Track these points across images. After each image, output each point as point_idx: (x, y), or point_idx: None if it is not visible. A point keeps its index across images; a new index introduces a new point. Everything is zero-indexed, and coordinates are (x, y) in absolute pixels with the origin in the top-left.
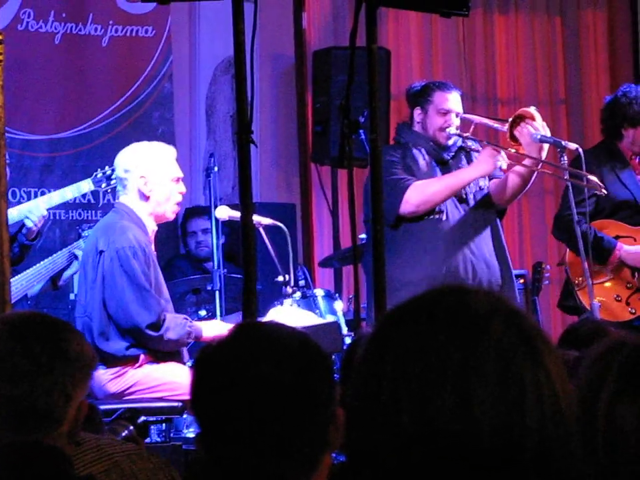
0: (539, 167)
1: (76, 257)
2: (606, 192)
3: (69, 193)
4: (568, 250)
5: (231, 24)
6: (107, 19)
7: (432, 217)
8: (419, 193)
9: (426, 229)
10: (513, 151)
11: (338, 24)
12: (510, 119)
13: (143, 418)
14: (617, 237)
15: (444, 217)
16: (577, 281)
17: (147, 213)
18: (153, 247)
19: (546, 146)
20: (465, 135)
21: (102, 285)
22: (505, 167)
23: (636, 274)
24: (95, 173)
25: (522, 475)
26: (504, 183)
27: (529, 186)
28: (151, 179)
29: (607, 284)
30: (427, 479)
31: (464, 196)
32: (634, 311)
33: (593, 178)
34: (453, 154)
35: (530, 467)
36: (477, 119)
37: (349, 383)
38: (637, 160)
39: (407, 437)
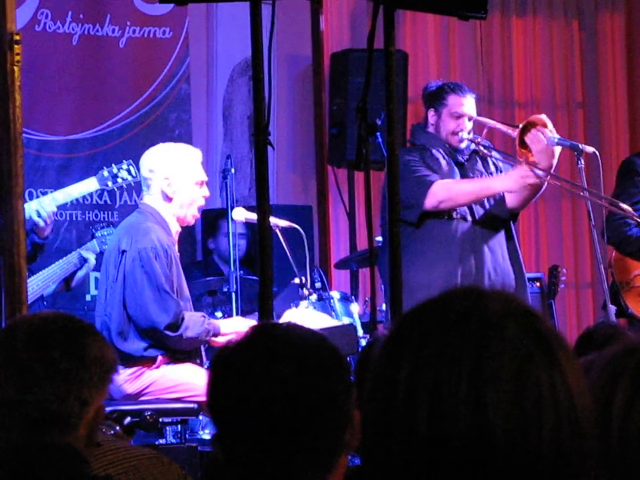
0: (548, 177)
1: (85, 260)
2: (639, 220)
3: (75, 191)
4: (614, 252)
5: (248, 25)
6: (125, 20)
7: (448, 218)
8: (445, 189)
9: (442, 231)
10: (523, 158)
11: (355, 26)
12: (521, 125)
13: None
14: None
15: (460, 220)
16: (620, 282)
17: (170, 214)
18: (176, 247)
19: (557, 152)
20: (478, 140)
21: (122, 285)
22: (537, 183)
23: None
24: (100, 172)
25: (537, 476)
26: (514, 195)
27: (540, 193)
28: (174, 180)
29: None
30: None
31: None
32: None
33: (625, 207)
34: (467, 157)
35: (545, 472)
36: (490, 122)
37: (364, 385)
38: None
39: (421, 441)
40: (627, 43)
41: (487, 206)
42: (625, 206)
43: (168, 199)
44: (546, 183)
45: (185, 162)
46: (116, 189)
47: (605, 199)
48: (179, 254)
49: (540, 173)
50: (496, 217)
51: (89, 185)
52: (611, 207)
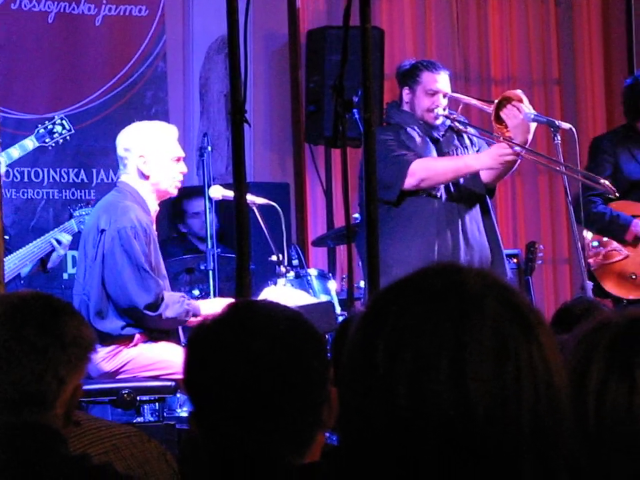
0: (524, 152)
1: (59, 242)
2: (618, 195)
3: (15, 152)
4: (585, 231)
5: (224, 3)
6: None
7: (425, 196)
8: (423, 168)
9: (418, 208)
10: (499, 133)
11: (332, 3)
12: (496, 101)
13: None
14: (634, 217)
15: (435, 196)
16: (591, 261)
17: (148, 191)
18: (154, 226)
19: (532, 127)
20: (453, 116)
21: (102, 264)
22: (516, 160)
23: None
24: (36, 129)
25: (515, 453)
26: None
27: (515, 167)
28: (149, 158)
29: (622, 262)
30: (421, 458)
31: None
32: None
33: (605, 182)
34: (442, 133)
35: (523, 445)
36: (464, 99)
37: (341, 362)
38: None
39: (401, 416)
40: (603, 19)
41: (462, 181)
42: (601, 180)
43: (144, 176)
44: (520, 158)
45: (160, 139)
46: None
47: (580, 173)
48: (157, 233)
49: (518, 149)
50: (471, 192)
51: (28, 144)
52: (586, 180)
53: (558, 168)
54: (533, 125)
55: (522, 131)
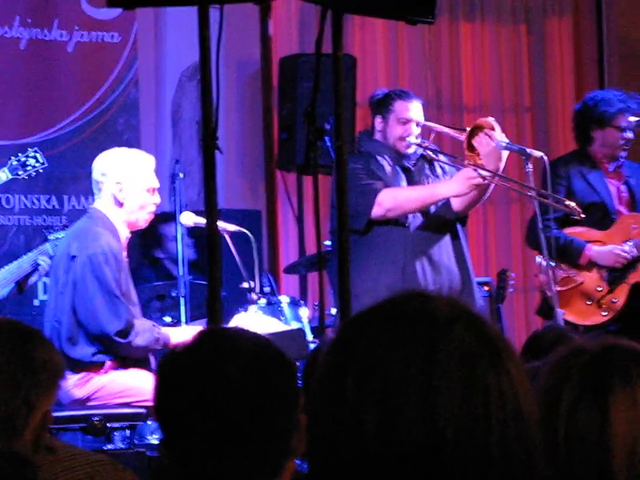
0: (496, 179)
1: (38, 265)
2: (584, 216)
3: None
4: (537, 258)
5: (196, 30)
6: (73, 24)
7: (395, 224)
8: (391, 198)
9: (386, 237)
10: (470, 161)
11: (304, 31)
12: (468, 129)
13: None
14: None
15: (404, 224)
16: (545, 289)
17: (120, 220)
18: (125, 253)
19: (504, 155)
20: (425, 144)
21: (73, 290)
22: (484, 185)
23: (605, 277)
24: (9, 162)
25: (485, 478)
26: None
27: (486, 195)
28: (126, 186)
29: (578, 289)
30: None
31: None
32: (606, 313)
33: (571, 203)
34: (414, 162)
35: (493, 473)
36: (437, 127)
37: (311, 389)
38: (609, 164)
39: (370, 445)
40: (574, 48)
41: (432, 209)
42: (571, 203)
43: (119, 204)
44: (493, 185)
45: (138, 168)
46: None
47: (551, 197)
48: (127, 260)
49: (485, 173)
50: (441, 220)
51: (1, 175)
52: (557, 204)
53: (529, 193)
54: (505, 153)
55: (494, 159)
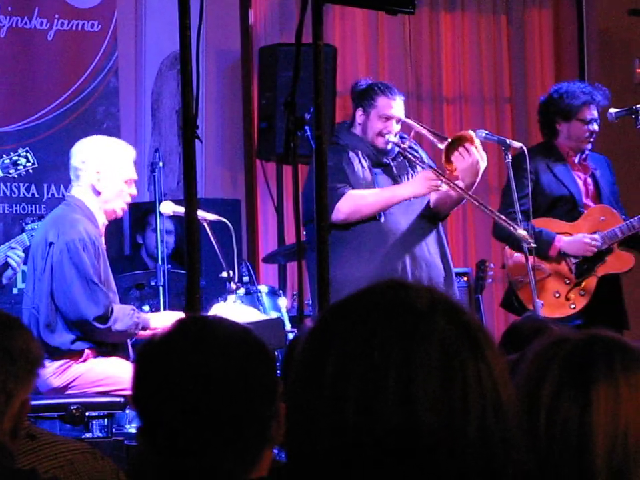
0: (470, 192)
1: (8, 263)
2: (535, 245)
3: None
4: (507, 249)
5: (177, 19)
6: (53, 12)
7: (371, 218)
8: (350, 203)
9: (365, 230)
10: (447, 171)
11: (284, 20)
12: (449, 140)
13: None
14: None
15: (382, 219)
16: (515, 280)
17: (97, 207)
18: (103, 240)
19: (481, 169)
20: (403, 146)
21: (50, 277)
22: (444, 189)
23: (573, 269)
24: (1, 160)
25: (463, 470)
26: (438, 200)
27: (458, 204)
28: (105, 175)
29: (545, 281)
30: (369, 474)
31: None
32: (574, 306)
33: (522, 232)
34: (393, 157)
35: (471, 461)
36: (418, 127)
37: (289, 378)
38: (575, 156)
39: (349, 433)
40: (554, 39)
41: (412, 204)
42: (523, 232)
43: (97, 192)
44: (465, 200)
45: (118, 158)
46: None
47: (505, 221)
48: (105, 246)
49: (445, 180)
50: (421, 214)
51: None
52: (508, 226)
53: (487, 212)
54: (482, 168)
55: (470, 174)
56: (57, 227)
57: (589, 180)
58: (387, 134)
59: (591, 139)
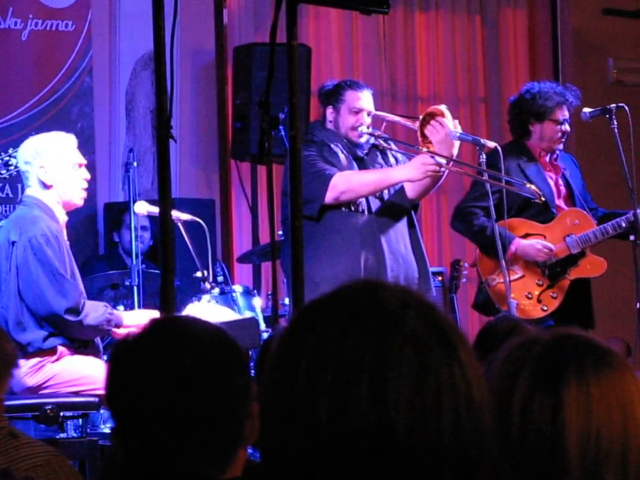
0: (450, 164)
1: None
2: (544, 199)
3: None
4: (478, 249)
5: (151, 19)
6: (27, 12)
7: (348, 210)
8: (345, 181)
9: (342, 224)
10: (424, 149)
11: (259, 20)
12: (421, 117)
13: None
14: (527, 235)
15: (360, 211)
16: (485, 279)
17: (54, 201)
18: (65, 235)
19: (457, 143)
20: (377, 133)
21: (17, 276)
22: (441, 172)
23: (546, 271)
24: None
25: (437, 469)
26: (416, 189)
27: (440, 182)
28: (50, 167)
29: (518, 282)
30: (342, 474)
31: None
32: (546, 308)
33: (532, 186)
34: (366, 151)
35: (445, 462)
36: (388, 116)
37: (263, 377)
38: (546, 156)
39: (322, 432)
40: (529, 39)
41: (387, 197)
42: (527, 185)
43: (46, 186)
44: (446, 172)
45: (58, 148)
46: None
47: (504, 179)
48: (68, 242)
49: (441, 160)
50: (397, 208)
51: None
52: (511, 187)
53: (483, 177)
54: (457, 141)
55: (446, 146)
56: (17, 226)
57: (560, 181)
58: (360, 126)
59: (563, 139)
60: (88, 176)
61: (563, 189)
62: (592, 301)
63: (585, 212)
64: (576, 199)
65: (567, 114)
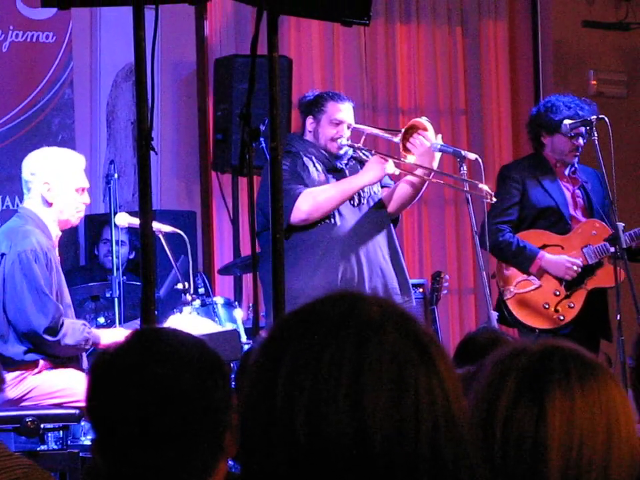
0: (431, 176)
1: None
2: (495, 199)
3: None
4: (497, 261)
5: (132, 30)
6: (7, 24)
7: (325, 222)
8: (309, 200)
9: (320, 236)
10: (408, 160)
11: (240, 32)
12: (402, 130)
13: None
14: (544, 247)
15: (337, 223)
16: (505, 289)
17: (51, 218)
18: (56, 251)
19: (437, 155)
20: (357, 145)
21: (2, 288)
22: (397, 173)
23: (563, 281)
24: None
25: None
26: (394, 191)
27: (420, 194)
28: (54, 186)
29: (535, 292)
30: None
31: (358, 201)
32: (563, 318)
33: (484, 187)
34: (345, 162)
35: (423, 473)
36: (367, 129)
37: (243, 389)
38: (564, 168)
39: (300, 445)
40: (510, 50)
41: (367, 208)
42: (484, 187)
43: (48, 203)
44: (425, 185)
45: (66, 168)
46: None
47: (465, 182)
48: (59, 258)
49: (393, 161)
50: (376, 220)
51: None
52: (469, 189)
53: (442, 181)
54: (438, 154)
55: (428, 159)
56: (9, 239)
57: (578, 192)
58: (339, 138)
59: (577, 153)
60: (88, 201)
61: (580, 200)
62: (609, 312)
63: (602, 223)
64: (594, 211)
65: (580, 128)
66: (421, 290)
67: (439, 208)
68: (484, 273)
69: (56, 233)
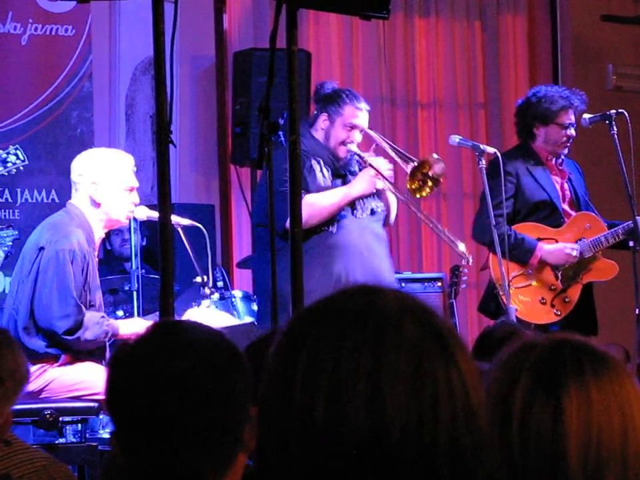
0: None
1: None
2: (471, 260)
3: None
4: (491, 253)
5: (151, 24)
6: (27, 17)
7: (323, 230)
8: (308, 207)
9: (317, 243)
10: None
11: (259, 25)
12: (415, 163)
13: None
14: (539, 240)
15: (334, 229)
16: (499, 284)
17: (97, 219)
18: (96, 253)
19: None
20: (364, 156)
21: (34, 281)
22: (380, 186)
23: (559, 276)
24: None
25: (433, 475)
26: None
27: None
28: (101, 186)
29: (531, 287)
30: (338, 477)
31: (360, 211)
32: (559, 313)
33: (462, 246)
34: (352, 168)
35: (441, 465)
36: (378, 139)
37: (261, 381)
38: (553, 160)
39: (319, 436)
40: (528, 44)
41: (367, 220)
42: (461, 249)
43: (96, 204)
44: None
45: (114, 167)
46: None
47: (443, 233)
48: (97, 260)
49: (382, 178)
50: (376, 231)
51: None
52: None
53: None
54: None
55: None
56: (51, 233)
57: (566, 185)
58: (349, 143)
59: (568, 144)
60: (137, 200)
61: (568, 193)
62: (595, 307)
63: (596, 216)
64: (582, 203)
65: (572, 118)
66: (439, 284)
67: (457, 201)
68: (502, 267)
69: (99, 235)
